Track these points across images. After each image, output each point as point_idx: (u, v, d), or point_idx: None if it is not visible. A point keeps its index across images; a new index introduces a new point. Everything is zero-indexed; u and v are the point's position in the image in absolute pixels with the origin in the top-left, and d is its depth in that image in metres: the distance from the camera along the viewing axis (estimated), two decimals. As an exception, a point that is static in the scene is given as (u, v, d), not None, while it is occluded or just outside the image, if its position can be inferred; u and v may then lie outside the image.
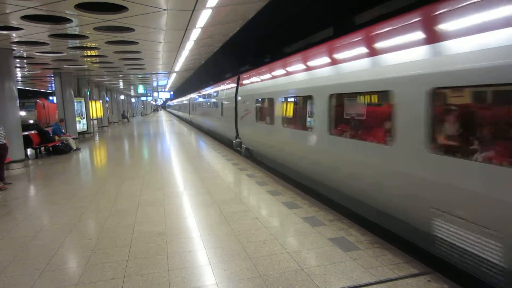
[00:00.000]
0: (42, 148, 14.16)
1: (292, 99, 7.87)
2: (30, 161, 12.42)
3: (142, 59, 14.78)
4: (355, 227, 5.08)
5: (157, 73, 22.10)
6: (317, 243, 4.54)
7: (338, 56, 5.89)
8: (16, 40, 9.91)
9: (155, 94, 43.88)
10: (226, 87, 14.75)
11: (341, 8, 7.91)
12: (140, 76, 23.83)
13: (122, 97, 43.31)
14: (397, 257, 4.12)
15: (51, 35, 9.46)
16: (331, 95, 5.85)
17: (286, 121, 8.08)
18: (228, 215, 5.72)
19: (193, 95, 28.22)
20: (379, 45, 4.82)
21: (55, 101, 21.59)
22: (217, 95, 16.70)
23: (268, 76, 9.40)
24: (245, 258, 4.15)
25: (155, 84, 32.84)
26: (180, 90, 46.02)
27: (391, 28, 4.54)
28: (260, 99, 10.05)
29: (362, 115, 5.49)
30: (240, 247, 4.48)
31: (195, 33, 10.09)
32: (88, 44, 11.14)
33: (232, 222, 5.40)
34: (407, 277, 3.67)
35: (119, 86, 33.91)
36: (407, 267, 3.86)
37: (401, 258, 4.08)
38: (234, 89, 12.99)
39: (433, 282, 3.55)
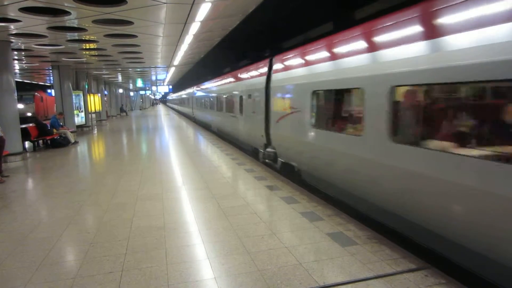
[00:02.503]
0: (40, 141, 14.13)
1: None
2: (28, 154, 12.40)
3: (141, 52, 14.72)
4: (353, 222, 5.09)
5: (156, 67, 22.02)
6: (315, 238, 4.55)
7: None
8: (14, 32, 9.85)
9: (154, 88, 43.79)
10: None
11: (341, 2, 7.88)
12: (139, 69, 23.74)
13: (120, 90, 43.18)
14: (394, 252, 4.13)
15: (50, 28, 9.41)
16: None
17: None
18: (227, 209, 5.72)
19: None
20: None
21: (53, 94, 21.50)
22: None
23: None
24: (243, 253, 4.15)
25: (154, 78, 32.73)
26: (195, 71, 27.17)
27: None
28: None
29: None
30: (239, 241, 4.48)
31: (194, 27, 10.04)
32: (87, 37, 11.08)
33: (230, 216, 5.40)
34: (404, 272, 3.68)
35: (117, 80, 33.81)
36: (404, 262, 3.87)
37: (398, 253, 4.09)
38: None
39: (431, 277, 3.56)
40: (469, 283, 3.62)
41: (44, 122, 15.13)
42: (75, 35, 10.73)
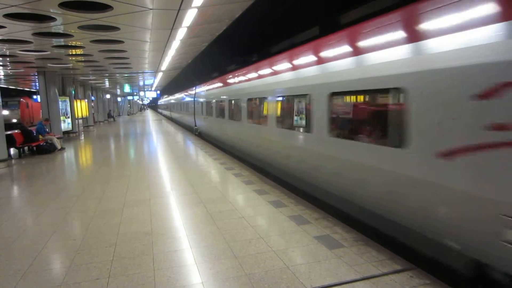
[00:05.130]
0: (26, 148, 13.93)
1: None
2: (13, 161, 12.22)
3: (128, 58, 14.65)
4: (340, 225, 5.15)
5: (143, 72, 21.92)
6: (303, 241, 4.59)
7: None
8: (-2, 38, 9.74)
9: (142, 93, 43.58)
10: None
11: (326, 7, 7.98)
12: (126, 75, 23.60)
13: (107, 96, 42.83)
14: (380, 253, 4.19)
15: (35, 34, 9.32)
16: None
17: None
18: (215, 214, 5.73)
19: None
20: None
21: (39, 100, 21.26)
22: None
23: None
24: (231, 257, 4.17)
25: (141, 83, 32.58)
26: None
27: None
28: None
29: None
30: (226, 246, 4.49)
31: (181, 32, 10.06)
32: (73, 43, 11.00)
33: (218, 221, 5.41)
34: (390, 273, 3.73)
35: (105, 85, 33.55)
36: (390, 264, 3.93)
37: (384, 255, 4.15)
38: None
39: (416, 278, 3.62)
40: (453, 283, 3.69)
41: (30, 128, 14.94)
42: (61, 41, 10.64)
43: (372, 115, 5.12)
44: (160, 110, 63.83)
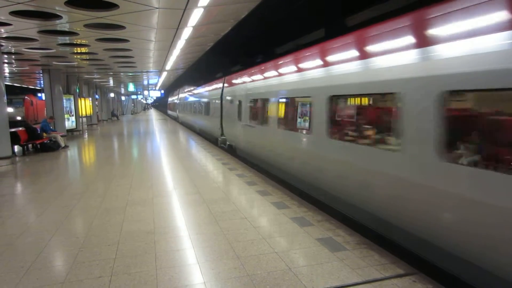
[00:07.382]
0: (30, 145, 13.98)
1: None
2: (17, 158, 12.27)
3: (132, 57, 14.70)
4: (342, 228, 5.13)
5: (148, 72, 21.98)
6: (305, 243, 4.57)
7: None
8: (4, 35, 9.79)
9: (146, 92, 43.67)
10: None
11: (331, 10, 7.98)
12: (130, 74, 23.67)
13: (112, 95, 42.94)
14: (383, 257, 4.17)
15: (41, 31, 9.37)
16: None
17: None
18: (217, 214, 5.73)
19: None
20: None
21: (43, 98, 21.34)
22: None
23: None
24: (233, 258, 4.16)
25: (145, 82, 32.65)
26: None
27: None
28: None
29: None
30: (229, 246, 4.49)
31: (186, 32, 10.08)
32: (78, 41, 11.05)
33: (221, 221, 5.41)
34: (392, 277, 3.71)
35: (109, 84, 33.66)
36: (393, 268, 3.91)
37: (387, 259, 4.13)
38: None
39: (418, 283, 3.60)
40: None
41: (34, 126, 15.00)
42: (66, 39, 10.69)
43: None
44: (171, 112, 44.05)
